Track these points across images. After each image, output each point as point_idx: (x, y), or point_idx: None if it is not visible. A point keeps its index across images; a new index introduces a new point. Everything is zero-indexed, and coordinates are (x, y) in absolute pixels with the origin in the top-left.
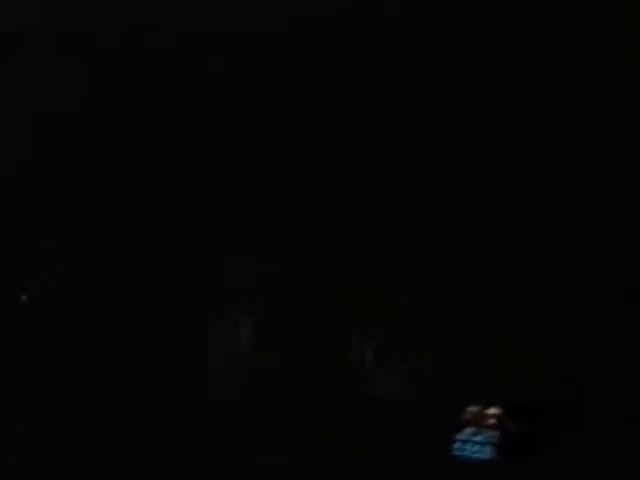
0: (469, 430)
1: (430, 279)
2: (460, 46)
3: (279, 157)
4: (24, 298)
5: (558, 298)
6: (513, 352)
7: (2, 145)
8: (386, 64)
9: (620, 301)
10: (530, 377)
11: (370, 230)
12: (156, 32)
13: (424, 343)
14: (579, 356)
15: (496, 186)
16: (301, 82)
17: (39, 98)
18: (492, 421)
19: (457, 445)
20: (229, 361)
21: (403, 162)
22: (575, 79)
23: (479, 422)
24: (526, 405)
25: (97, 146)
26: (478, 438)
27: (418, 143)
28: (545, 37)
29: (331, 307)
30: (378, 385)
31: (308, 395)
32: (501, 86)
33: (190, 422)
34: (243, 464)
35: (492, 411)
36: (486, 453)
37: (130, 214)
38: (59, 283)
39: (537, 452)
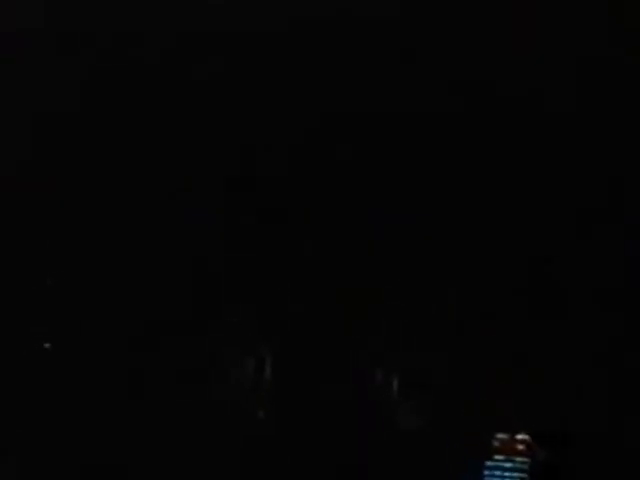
0: (498, 457)
1: (430, 279)
2: (460, 46)
3: (279, 157)
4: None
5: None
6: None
7: (2, 145)
8: (386, 64)
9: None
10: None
11: (370, 230)
12: (156, 32)
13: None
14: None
15: (496, 186)
16: (301, 82)
17: (39, 98)
18: (521, 447)
19: (487, 472)
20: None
21: (403, 162)
22: (575, 79)
23: (508, 449)
24: (553, 433)
25: (97, 146)
26: (508, 465)
27: (418, 143)
28: (545, 37)
29: (331, 307)
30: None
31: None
32: (501, 86)
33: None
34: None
35: (521, 437)
36: None
37: (130, 214)
38: (59, 282)
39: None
